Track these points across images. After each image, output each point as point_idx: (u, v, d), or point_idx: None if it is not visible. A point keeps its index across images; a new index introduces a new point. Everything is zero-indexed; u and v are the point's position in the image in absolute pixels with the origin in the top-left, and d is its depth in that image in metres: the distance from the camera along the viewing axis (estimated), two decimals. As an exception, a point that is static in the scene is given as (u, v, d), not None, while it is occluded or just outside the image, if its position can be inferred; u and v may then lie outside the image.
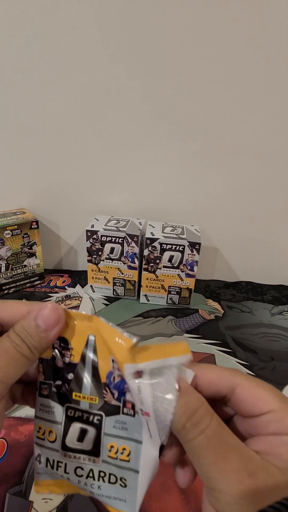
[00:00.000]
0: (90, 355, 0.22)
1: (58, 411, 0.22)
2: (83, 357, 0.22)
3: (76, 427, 0.22)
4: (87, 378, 0.22)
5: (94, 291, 0.71)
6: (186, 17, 0.57)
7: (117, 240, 0.65)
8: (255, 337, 0.62)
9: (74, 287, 0.74)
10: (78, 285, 0.75)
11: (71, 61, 0.61)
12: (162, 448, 0.21)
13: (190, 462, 0.22)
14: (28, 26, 0.59)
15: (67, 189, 0.73)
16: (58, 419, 0.22)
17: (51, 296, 0.69)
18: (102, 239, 0.65)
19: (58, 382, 0.22)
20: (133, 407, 0.21)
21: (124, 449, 0.22)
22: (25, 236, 0.67)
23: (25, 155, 0.70)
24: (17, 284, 0.70)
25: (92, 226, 0.66)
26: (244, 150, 0.66)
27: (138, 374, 0.20)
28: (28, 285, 0.72)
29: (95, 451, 0.22)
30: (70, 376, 0.22)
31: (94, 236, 0.65)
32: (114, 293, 0.71)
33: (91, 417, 0.22)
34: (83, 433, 0.22)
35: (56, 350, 0.22)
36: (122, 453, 0.22)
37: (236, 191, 0.71)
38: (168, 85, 0.62)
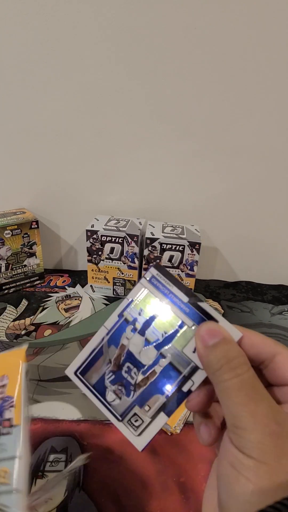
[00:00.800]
0: None
1: None
2: None
3: None
4: None
5: (94, 291, 0.71)
6: (186, 17, 0.57)
7: (117, 240, 0.65)
8: (255, 337, 0.62)
9: (74, 287, 0.74)
10: (78, 285, 0.75)
11: (71, 61, 0.62)
12: (188, 393, 0.22)
13: (214, 419, 0.23)
14: (28, 26, 0.59)
15: (67, 189, 0.73)
16: None
17: (51, 296, 0.69)
18: (102, 239, 0.65)
19: None
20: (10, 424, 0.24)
21: (5, 472, 0.24)
22: (25, 236, 0.67)
23: (25, 155, 0.70)
24: (17, 284, 0.70)
25: (92, 226, 0.66)
26: (244, 151, 0.67)
27: None
28: (28, 285, 0.72)
29: None
30: None
31: (94, 236, 0.65)
32: (114, 293, 0.71)
33: None
34: None
35: None
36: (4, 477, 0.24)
37: (236, 191, 0.71)
38: (168, 85, 0.62)
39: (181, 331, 0.22)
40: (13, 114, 0.66)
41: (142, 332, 0.23)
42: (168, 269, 0.66)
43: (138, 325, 0.23)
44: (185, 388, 0.22)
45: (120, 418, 0.23)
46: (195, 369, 0.22)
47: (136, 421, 0.23)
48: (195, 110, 0.64)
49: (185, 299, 0.23)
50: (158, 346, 0.23)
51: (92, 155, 0.69)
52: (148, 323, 0.23)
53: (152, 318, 0.23)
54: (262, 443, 0.17)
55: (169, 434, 0.43)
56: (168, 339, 0.23)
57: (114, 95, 0.64)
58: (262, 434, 0.17)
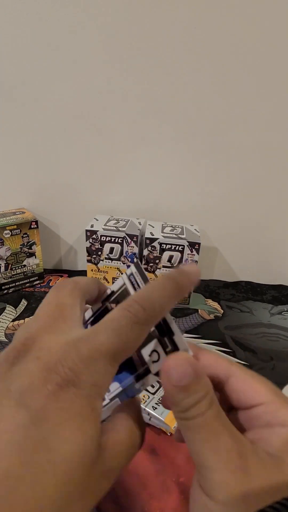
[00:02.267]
0: None
1: None
2: None
3: None
4: None
5: (93, 291, 0.71)
6: (186, 17, 0.57)
7: (116, 240, 0.65)
8: (255, 337, 0.62)
9: (74, 287, 0.74)
10: (77, 285, 0.74)
11: (71, 60, 0.61)
12: (138, 391, 0.22)
13: None
14: (27, 26, 0.59)
15: (66, 189, 0.73)
16: None
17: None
18: (102, 239, 0.65)
19: None
20: None
21: None
22: (24, 236, 0.67)
23: (25, 155, 0.70)
24: (16, 284, 0.70)
25: (92, 226, 0.66)
26: (244, 150, 0.67)
27: None
28: (27, 285, 0.72)
29: None
30: None
31: (94, 236, 0.65)
32: (114, 293, 0.71)
33: None
34: None
35: None
36: None
37: (235, 191, 0.71)
38: (168, 85, 0.62)
39: None
40: (12, 114, 0.66)
41: None
42: (167, 269, 0.66)
43: None
44: (137, 386, 0.22)
45: None
46: (147, 371, 0.21)
47: None
48: (194, 110, 0.64)
49: None
50: None
51: (91, 155, 0.69)
52: None
53: None
54: (226, 482, 0.16)
55: (169, 434, 0.43)
56: None
57: (113, 95, 0.64)
58: (226, 472, 0.16)
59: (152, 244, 0.63)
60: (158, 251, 0.64)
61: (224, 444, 0.17)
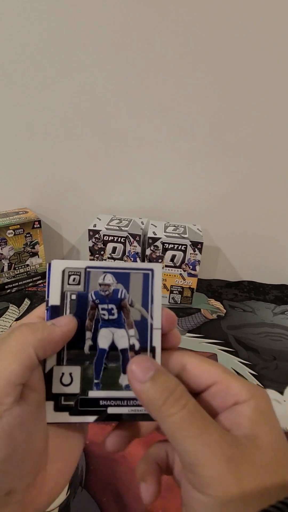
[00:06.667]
0: None
1: None
2: None
3: None
4: None
5: (96, 291, 0.71)
6: (186, 18, 0.57)
7: (119, 240, 0.65)
8: (257, 336, 0.62)
9: (76, 286, 0.74)
10: (80, 284, 0.75)
11: (72, 60, 0.62)
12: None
13: (151, 474, 0.22)
14: (29, 25, 0.59)
15: (69, 189, 0.73)
16: None
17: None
18: (104, 239, 0.65)
19: None
20: None
21: None
22: (27, 235, 0.68)
23: (28, 154, 0.70)
24: (19, 283, 0.71)
25: (94, 225, 0.66)
26: (246, 149, 0.66)
27: None
28: (30, 284, 0.72)
29: None
30: None
31: (96, 236, 0.65)
32: (116, 293, 0.71)
33: None
34: None
35: None
36: None
37: (238, 191, 0.70)
38: (169, 85, 0.62)
39: None
40: (15, 113, 0.66)
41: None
42: (170, 268, 0.66)
43: None
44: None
45: None
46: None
47: None
48: (197, 110, 0.64)
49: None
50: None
51: (94, 155, 0.69)
52: None
53: None
54: (222, 475, 0.16)
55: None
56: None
57: (116, 95, 0.64)
58: (220, 465, 0.17)
59: (155, 244, 0.63)
60: (161, 250, 0.64)
61: (214, 436, 0.17)
